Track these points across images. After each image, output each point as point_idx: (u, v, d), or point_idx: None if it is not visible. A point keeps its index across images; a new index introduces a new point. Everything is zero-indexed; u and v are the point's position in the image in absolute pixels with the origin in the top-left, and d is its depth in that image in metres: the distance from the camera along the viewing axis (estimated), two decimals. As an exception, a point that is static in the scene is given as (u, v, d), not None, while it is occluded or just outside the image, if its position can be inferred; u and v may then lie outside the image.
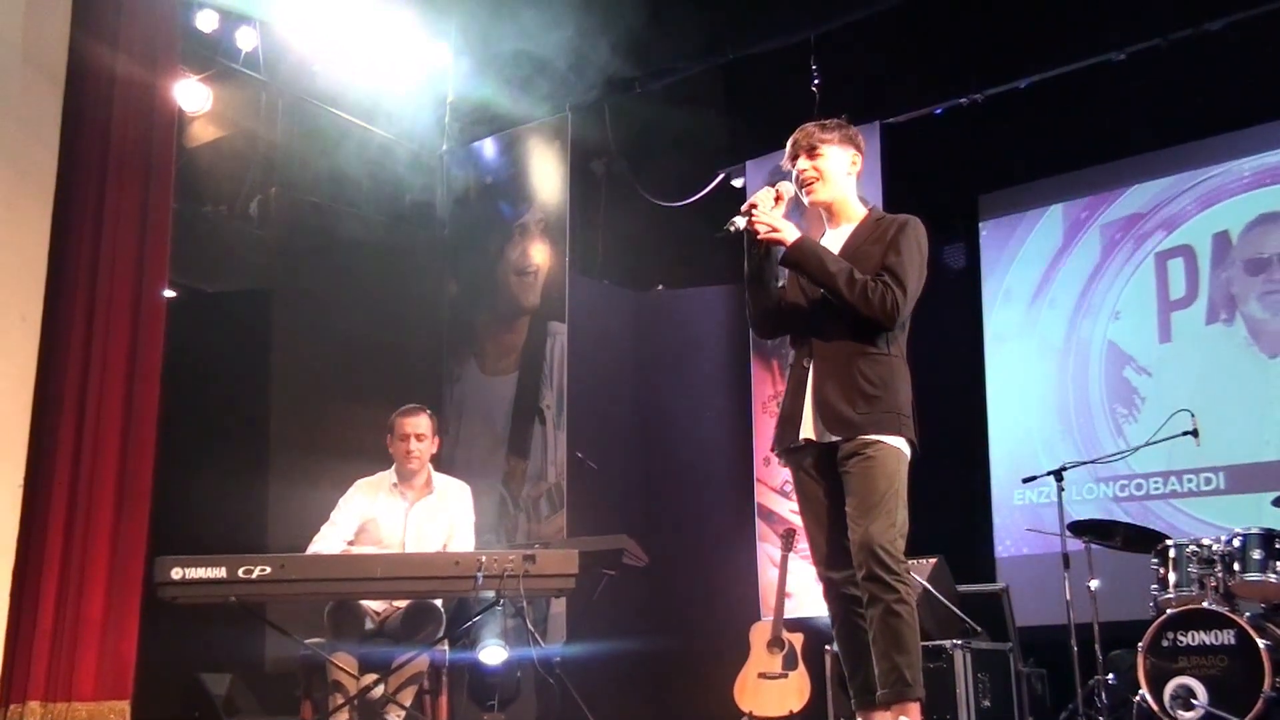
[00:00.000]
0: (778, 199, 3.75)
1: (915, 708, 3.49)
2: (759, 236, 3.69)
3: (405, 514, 5.28)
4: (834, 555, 3.67)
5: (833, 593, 3.70)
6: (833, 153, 3.80)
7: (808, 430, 3.69)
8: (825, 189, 3.81)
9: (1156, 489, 6.99)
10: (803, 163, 3.82)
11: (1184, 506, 6.87)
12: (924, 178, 7.61)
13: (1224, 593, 5.20)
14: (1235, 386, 6.73)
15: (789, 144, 3.86)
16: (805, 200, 3.86)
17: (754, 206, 3.71)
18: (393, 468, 5.36)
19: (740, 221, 3.69)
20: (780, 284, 3.87)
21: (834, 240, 3.82)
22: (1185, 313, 7.09)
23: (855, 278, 3.62)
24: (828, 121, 3.88)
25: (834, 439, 3.63)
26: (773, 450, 3.90)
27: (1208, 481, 6.84)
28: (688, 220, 8.24)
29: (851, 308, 3.62)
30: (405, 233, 8.13)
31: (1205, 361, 6.92)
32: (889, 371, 3.66)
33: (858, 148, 3.87)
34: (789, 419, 3.76)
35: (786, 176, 3.89)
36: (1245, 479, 6.68)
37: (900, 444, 3.63)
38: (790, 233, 3.68)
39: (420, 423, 5.33)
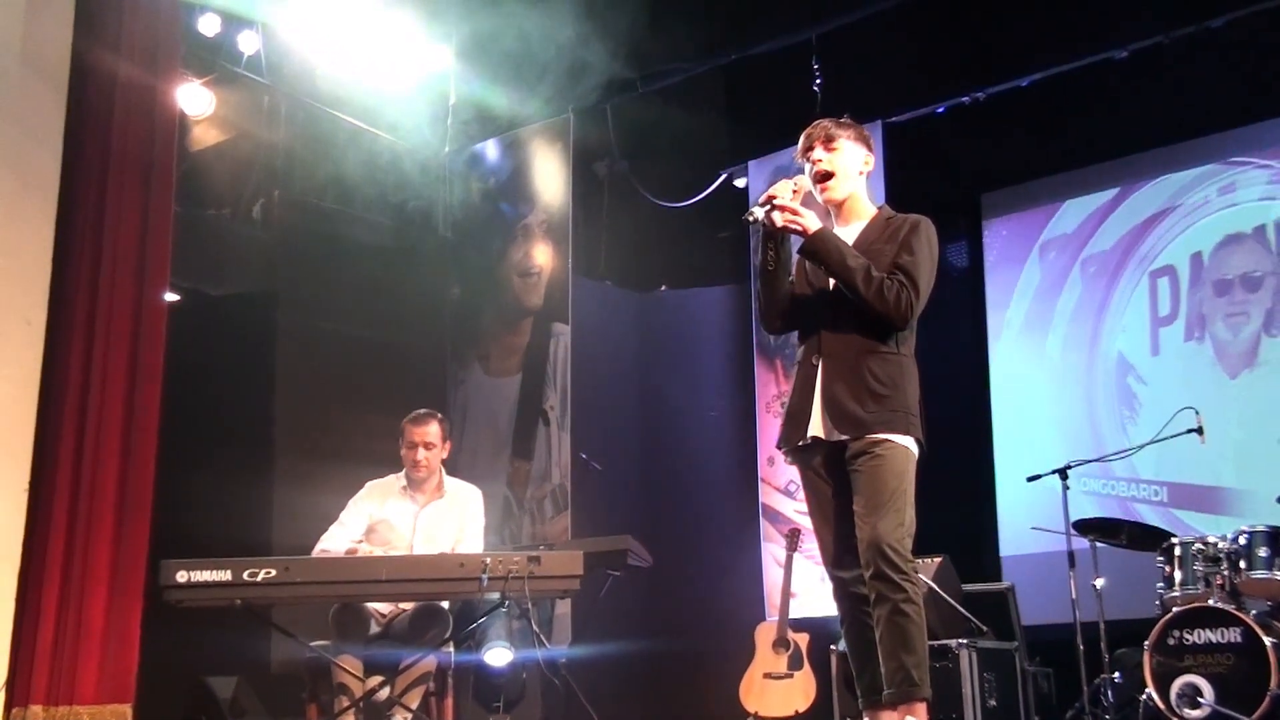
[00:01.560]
0: (795, 192, 3.71)
1: (922, 708, 3.48)
2: (779, 225, 3.65)
3: (415, 517, 5.27)
4: (843, 554, 3.66)
5: (842, 591, 3.69)
6: (848, 147, 3.80)
7: (816, 428, 3.67)
8: (839, 184, 3.80)
9: (1124, 491, 7.06)
10: (819, 153, 3.79)
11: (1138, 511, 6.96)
12: (926, 177, 7.60)
13: (1230, 590, 5.18)
14: (1200, 406, 6.75)
15: (803, 136, 3.84)
16: (819, 196, 3.84)
17: (773, 198, 3.66)
18: (404, 471, 5.35)
19: (759, 212, 3.66)
20: (790, 279, 3.85)
21: (844, 237, 3.79)
22: (1170, 329, 7.17)
23: (873, 274, 3.60)
24: (841, 119, 3.87)
25: (842, 437, 3.62)
26: (779, 448, 3.88)
27: (1155, 493, 6.94)
28: (690, 221, 8.24)
29: (866, 304, 3.61)
30: (408, 235, 8.14)
31: (1183, 378, 6.99)
32: (898, 370, 3.65)
33: (869, 148, 3.86)
34: (796, 417, 3.74)
35: (792, 173, 3.87)
36: (1185, 498, 6.82)
37: (909, 443, 3.63)
38: (811, 221, 3.65)
39: (429, 431, 5.30)
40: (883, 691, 3.51)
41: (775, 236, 3.70)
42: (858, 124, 3.89)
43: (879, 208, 3.88)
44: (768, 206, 3.66)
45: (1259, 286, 6.84)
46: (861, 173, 3.84)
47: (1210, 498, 6.75)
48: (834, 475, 3.68)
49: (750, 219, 3.68)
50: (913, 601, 3.48)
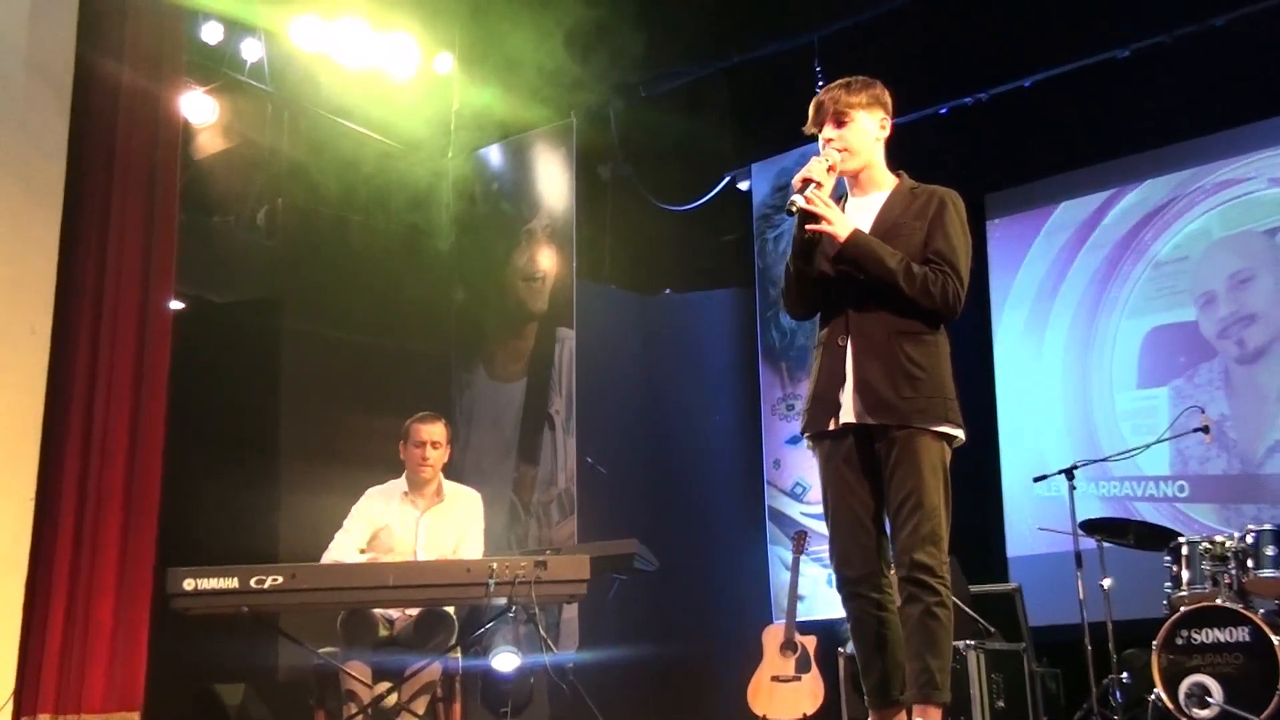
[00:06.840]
0: (830, 169, 3.52)
1: (938, 712, 3.36)
2: (808, 228, 3.46)
3: (417, 522, 5.25)
4: (854, 552, 3.49)
5: (848, 590, 3.53)
6: (860, 118, 3.58)
7: (848, 414, 3.46)
8: (854, 159, 3.59)
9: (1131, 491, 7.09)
10: (829, 132, 3.59)
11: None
12: (930, 178, 7.55)
13: (1238, 590, 5.18)
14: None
15: (813, 107, 3.63)
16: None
17: (809, 181, 3.45)
18: (404, 476, 5.32)
19: (800, 200, 3.44)
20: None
21: (863, 209, 3.59)
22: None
23: (914, 271, 3.43)
24: (853, 81, 3.60)
25: (873, 422, 3.43)
26: (803, 433, 3.64)
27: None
28: (694, 224, 8.25)
29: (911, 301, 3.43)
30: (412, 240, 8.13)
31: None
32: (934, 352, 3.47)
33: (885, 108, 3.61)
34: (824, 401, 3.51)
35: (800, 166, 3.74)
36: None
37: (947, 430, 3.44)
38: (842, 227, 3.45)
39: (436, 430, 5.28)
40: (891, 691, 3.45)
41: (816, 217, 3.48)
42: (871, 82, 3.65)
43: (898, 175, 3.67)
44: (805, 190, 3.45)
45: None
46: (878, 138, 3.63)
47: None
48: (863, 465, 3.48)
49: (793, 209, 3.46)
50: (945, 606, 3.35)
